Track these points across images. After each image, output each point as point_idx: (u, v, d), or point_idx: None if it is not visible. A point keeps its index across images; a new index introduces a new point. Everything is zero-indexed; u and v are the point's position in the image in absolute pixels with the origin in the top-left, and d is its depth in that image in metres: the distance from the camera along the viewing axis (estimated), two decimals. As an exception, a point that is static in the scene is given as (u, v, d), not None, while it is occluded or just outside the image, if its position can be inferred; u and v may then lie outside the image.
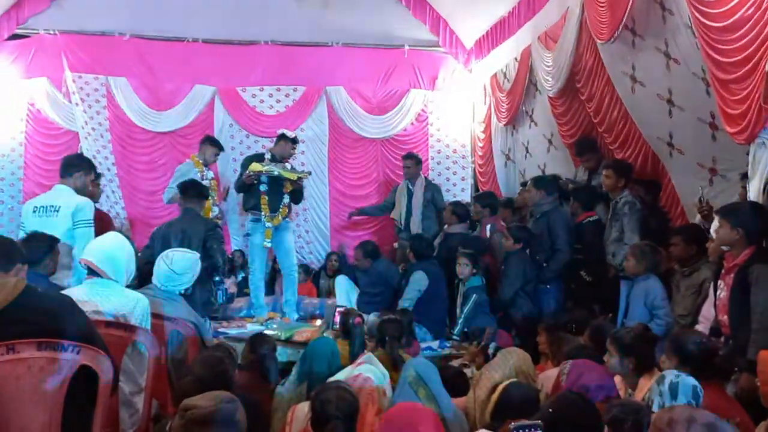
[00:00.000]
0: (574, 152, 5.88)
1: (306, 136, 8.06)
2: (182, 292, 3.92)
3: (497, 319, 5.31)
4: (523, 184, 6.47)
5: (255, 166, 5.90)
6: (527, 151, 6.97)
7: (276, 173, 5.93)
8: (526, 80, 6.52)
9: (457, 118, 8.42)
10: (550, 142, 6.47)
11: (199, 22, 7.73)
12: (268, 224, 5.98)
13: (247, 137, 8.00)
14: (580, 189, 5.59)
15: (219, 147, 6.53)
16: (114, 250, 3.34)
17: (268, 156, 6.11)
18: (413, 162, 7.36)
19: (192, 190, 5.24)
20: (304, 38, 8.06)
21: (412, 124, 8.32)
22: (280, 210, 6.05)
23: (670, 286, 4.25)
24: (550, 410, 2.42)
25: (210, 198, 6.12)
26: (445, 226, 6.61)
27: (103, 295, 3.18)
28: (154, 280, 3.86)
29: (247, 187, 6.02)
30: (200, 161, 6.37)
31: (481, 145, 8.11)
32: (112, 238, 3.52)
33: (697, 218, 4.36)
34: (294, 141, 6.27)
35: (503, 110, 7.16)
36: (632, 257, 4.22)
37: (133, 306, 3.22)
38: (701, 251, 4.00)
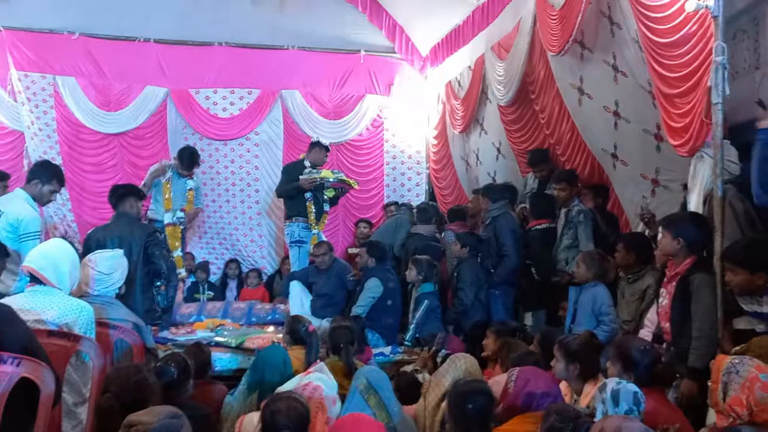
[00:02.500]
0: (527, 162, 5.92)
1: (260, 139, 8.03)
2: (117, 292, 3.82)
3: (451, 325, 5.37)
4: (476, 191, 6.55)
5: (327, 174, 6.08)
6: (478, 159, 7.06)
7: (336, 180, 6.17)
8: (479, 89, 6.60)
9: (412, 124, 8.47)
10: (498, 150, 6.56)
11: (152, 22, 7.62)
12: (314, 231, 6.10)
13: (201, 140, 7.88)
14: (535, 196, 5.62)
15: (184, 163, 6.56)
16: (57, 256, 3.24)
17: (307, 163, 6.20)
18: None
19: (119, 191, 5.08)
20: (259, 41, 8.01)
21: (367, 129, 8.35)
22: (322, 217, 6.23)
23: (616, 292, 4.36)
24: None
25: (166, 202, 6.23)
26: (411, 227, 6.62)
27: (46, 303, 3.09)
28: (85, 287, 3.70)
29: (292, 193, 6.09)
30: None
31: (435, 150, 8.16)
32: (55, 244, 3.44)
33: (640, 226, 4.47)
34: (327, 149, 6.39)
35: (458, 118, 7.22)
36: (582, 264, 4.29)
37: (78, 314, 3.13)
38: (643, 259, 4.08)
